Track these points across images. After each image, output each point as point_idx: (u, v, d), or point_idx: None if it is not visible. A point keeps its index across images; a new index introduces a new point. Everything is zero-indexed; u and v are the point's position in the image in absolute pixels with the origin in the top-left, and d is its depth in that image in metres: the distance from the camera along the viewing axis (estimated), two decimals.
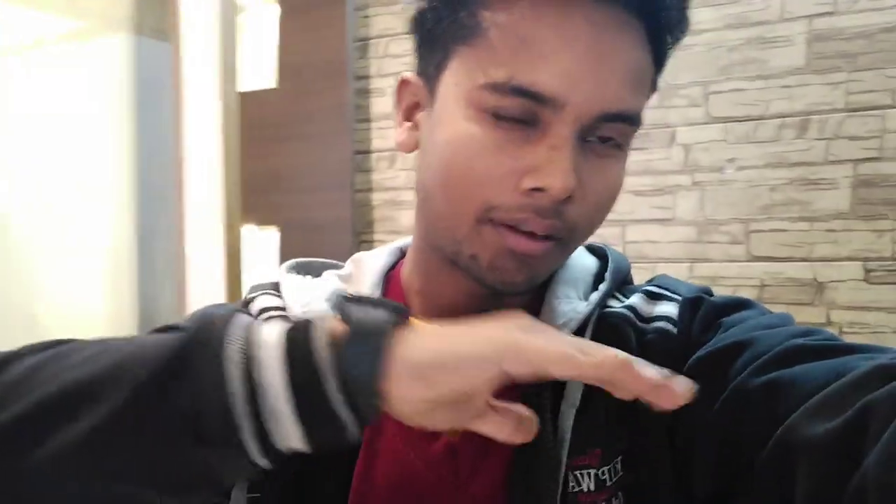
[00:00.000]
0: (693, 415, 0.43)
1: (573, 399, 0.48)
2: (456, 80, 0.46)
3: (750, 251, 1.19)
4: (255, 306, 0.55)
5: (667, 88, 1.24)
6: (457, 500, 0.48)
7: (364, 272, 0.58)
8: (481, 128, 0.44)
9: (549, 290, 0.52)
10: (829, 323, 1.14)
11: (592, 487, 0.47)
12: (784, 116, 1.16)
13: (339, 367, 0.35)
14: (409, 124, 0.51)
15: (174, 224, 1.63)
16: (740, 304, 0.51)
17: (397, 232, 1.53)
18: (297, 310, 0.53)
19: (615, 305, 0.53)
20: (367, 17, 1.58)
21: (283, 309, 0.54)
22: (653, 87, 0.49)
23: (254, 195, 1.65)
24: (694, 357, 0.47)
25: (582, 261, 0.56)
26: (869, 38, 1.11)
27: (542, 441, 0.46)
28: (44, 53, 1.80)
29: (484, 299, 0.50)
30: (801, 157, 1.15)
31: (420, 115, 0.50)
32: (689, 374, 0.42)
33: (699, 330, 0.49)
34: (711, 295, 0.52)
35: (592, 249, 0.59)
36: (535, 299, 0.52)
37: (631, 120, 0.45)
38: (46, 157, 1.83)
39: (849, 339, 1.11)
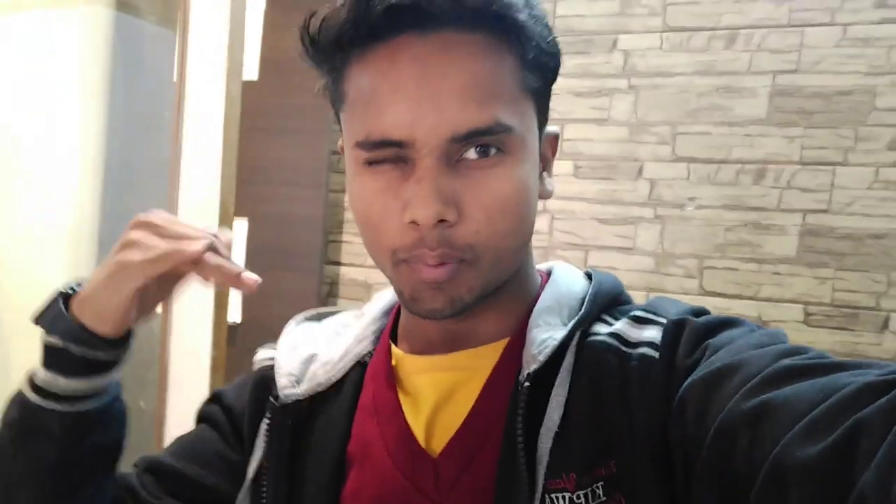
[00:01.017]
0: (685, 441, 0.44)
1: (552, 422, 0.49)
2: (346, 144, 0.52)
3: (703, 286, 1.26)
4: (256, 359, 0.65)
5: (638, 125, 1.31)
6: None
7: (373, 307, 0.64)
8: (366, 178, 0.49)
9: (531, 317, 0.54)
10: None
11: None
12: (743, 163, 1.24)
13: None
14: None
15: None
16: (726, 324, 0.49)
17: None
18: (283, 356, 0.61)
19: (601, 331, 0.53)
20: None
21: (271, 359, 0.61)
22: (537, 87, 0.51)
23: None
24: (685, 383, 0.46)
25: (570, 287, 0.57)
26: (826, 99, 1.19)
27: (519, 462, 0.48)
28: (23, 18, 1.78)
29: (454, 326, 0.54)
30: (756, 202, 1.23)
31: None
32: (679, 401, 0.45)
33: (684, 353, 0.48)
34: (701, 315, 0.51)
35: (588, 275, 0.59)
36: (521, 326, 0.54)
37: (488, 131, 0.47)
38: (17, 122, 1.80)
39: None
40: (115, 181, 1.80)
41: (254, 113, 1.66)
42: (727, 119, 1.25)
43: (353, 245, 1.57)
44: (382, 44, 0.48)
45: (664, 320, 0.51)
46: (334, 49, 0.51)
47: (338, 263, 1.59)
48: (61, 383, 0.51)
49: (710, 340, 0.47)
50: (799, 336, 1.20)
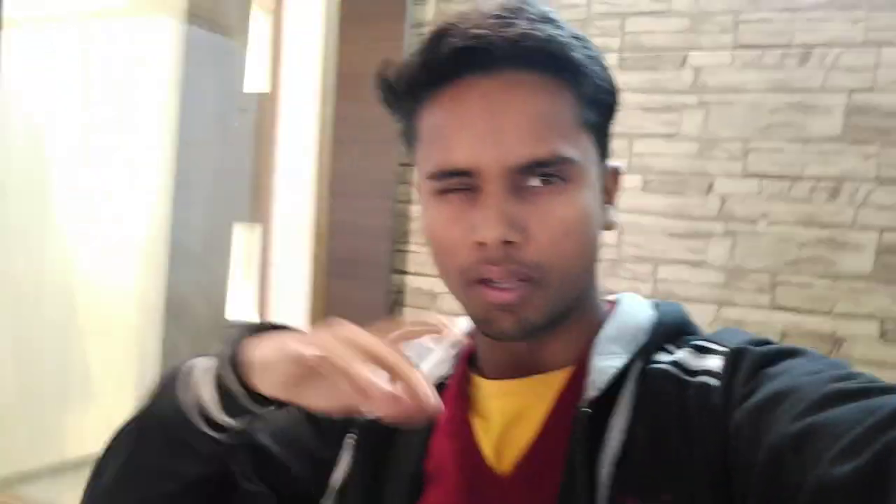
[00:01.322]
0: (740, 467, 0.45)
1: (612, 448, 0.50)
2: (419, 176, 0.58)
3: (775, 301, 1.27)
4: None
5: (709, 140, 1.32)
6: None
7: (457, 323, 0.68)
8: (438, 208, 0.55)
9: (594, 345, 0.56)
10: None
11: None
12: (818, 179, 1.25)
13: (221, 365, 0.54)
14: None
15: (259, 228, 1.68)
16: (787, 353, 0.50)
17: None
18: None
19: (662, 359, 0.55)
20: (422, 34, 1.64)
21: None
22: (595, 123, 0.55)
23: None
24: (740, 410, 0.47)
25: (635, 317, 0.58)
26: None
27: (579, 487, 0.50)
28: (100, 25, 1.84)
29: (523, 354, 0.57)
30: (831, 218, 1.24)
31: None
32: (735, 428, 0.47)
33: (742, 382, 0.49)
34: (763, 344, 0.52)
35: (656, 305, 0.61)
36: (586, 353, 0.56)
37: (548, 163, 0.51)
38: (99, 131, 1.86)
39: None
40: (187, 193, 1.86)
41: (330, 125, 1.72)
42: (801, 136, 1.26)
43: (419, 255, 1.61)
44: (450, 85, 0.53)
45: (725, 349, 0.52)
46: (408, 93, 0.56)
47: (404, 272, 1.63)
48: (227, 420, 0.54)
49: (768, 369, 0.49)
50: (875, 352, 1.20)
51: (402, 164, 1.63)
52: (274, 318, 1.63)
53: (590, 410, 0.52)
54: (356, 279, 1.60)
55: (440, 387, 0.63)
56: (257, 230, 1.78)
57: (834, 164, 1.24)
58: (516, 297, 0.52)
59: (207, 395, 0.54)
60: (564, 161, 0.52)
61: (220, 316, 1.80)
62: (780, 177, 1.27)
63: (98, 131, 1.87)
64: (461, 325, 0.67)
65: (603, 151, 0.58)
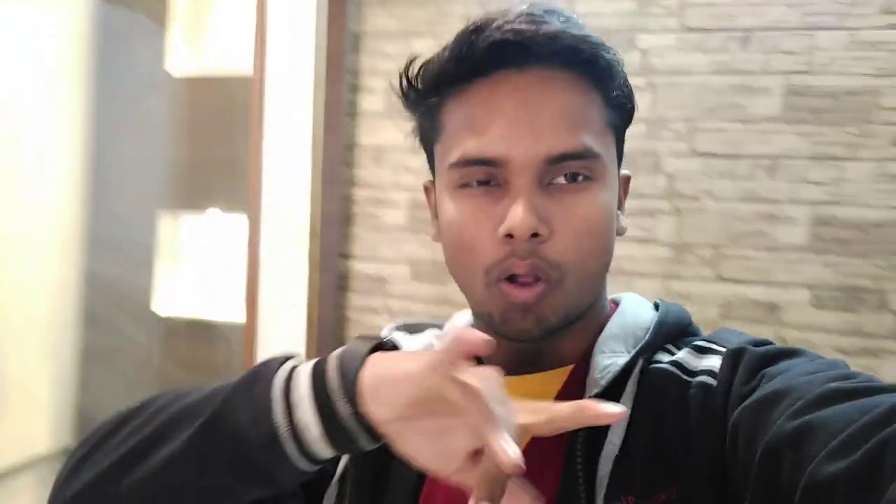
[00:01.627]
0: (738, 465, 0.46)
1: (612, 446, 0.51)
2: (439, 173, 0.56)
3: (719, 274, 1.35)
4: None
5: (657, 121, 1.36)
6: None
7: (460, 319, 0.67)
8: (460, 202, 0.53)
9: (597, 343, 0.56)
10: (783, 339, 1.32)
11: None
12: (757, 157, 1.32)
13: (339, 387, 0.44)
14: (437, 221, 0.60)
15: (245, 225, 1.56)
16: (786, 354, 0.51)
17: (377, 229, 1.56)
18: None
19: (663, 359, 0.55)
20: (363, 14, 1.57)
21: None
22: (619, 115, 0.55)
23: (226, 179, 1.62)
24: (739, 409, 0.47)
25: (636, 317, 0.59)
26: (835, 98, 1.28)
27: (578, 484, 0.50)
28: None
29: (528, 352, 0.57)
30: (769, 194, 1.32)
31: (437, 210, 0.59)
32: (733, 427, 0.47)
33: (741, 381, 0.49)
34: (762, 345, 0.53)
35: (657, 305, 0.61)
36: (588, 351, 0.56)
37: (581, 155, 0.52)
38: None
39: None
40: (103, 180, 1.71)
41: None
42: (742, 116, 1.33)
43: (365, 240, 1.57)
44: (483, 79, 0.52)
45: (724, 349, 0.53)
46: (435, 87, 0.55)
47: (349, 257, 1.58)
48: (323, 451, 0.46)
49: (768, 369, 0.49)
50: (807, 318, 1.30)
51: (349, 146, 1.57)
52: (274, 305, 1.52)
53: None
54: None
55: None
56: (185, 220, 1.68)
57: (772, 142, 1.31)
58: (536, 297, 0.52)
59: (311, 421, 0.44)
60: (594, 156, 0.52)
61: (147, 311, 1.68)
62: (724, 155, 1.34)
63: (3, 112, 1.67)
64: (459, 321, 0.66)
65: (619, 157, 0.58)
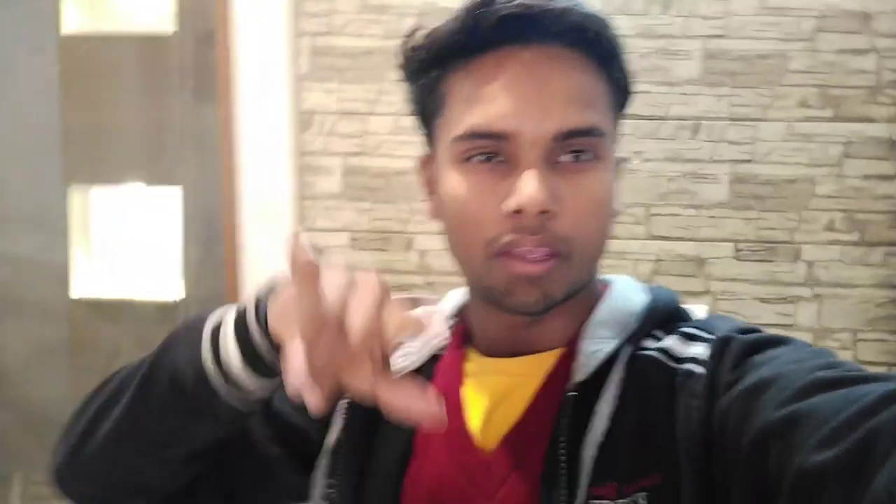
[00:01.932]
0: (726, 454, 0.46)
1: (596, 432, 0.51)
2: (440, 147, 0.56)
3: (650, 231, 1.41)
4: None
5: None
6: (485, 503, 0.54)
7: (447, 305, 0.67)
8: (464, 176, 0.53)
9: (586, 328, 0.56)
10: (708, 292, 1.40)
11: None
12: (681, 119, 1.39)
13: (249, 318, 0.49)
14: (431, 196, 0.60)
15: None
16: (772, 342, 0.50)
17: (311, 197, 1.52)
18: None
19: (650, 346, 0.55)
20: None
21: None
22: (620, 99, 0.56)
23: (148, 150, 1.53)
24: (726, 398, 0.48)
25: (626, 302, 0.58)
26: (748, 61, 1.36)
27: (560, 468, 0.51)
28: None
29: (520, 331, 0.57)
30: (693, 154, 1.39)
31: (435, 185, 0.59)
32: (720, 416, 0.47)
33: (727, 369, 0.49)
34: (750, 332, 0.53)
35: (649, 290, 0.61)
36: (577, 335, 0.56)
37: (589, 132, 0.51)
38: None
39: (721, 305, 1.37)
40: None
41: (175, 70, 1.53)
42: (666, 79, 1.39)
43: (328, 210, 1.52)
44: (489, 52, 0.52)
45: (711, 337, 0.52)
46: (438, 59, 0.54)
47: (311, 229, 1.54)
48: (246, 381, 0.49)
49: (754, 357, 0.49)
50: (731, 270, 1.39)
51: (304, 112, 1.52)
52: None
53: (576, 394, 0.52)
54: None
55: (435, 359, 0.62)
56: (95, 194, 1.57)
57: (694, 104, 1.38)
58: (544, 271, 0.51)
59: (232, 352, 0.49)
60: (601, 134, 0.52)
61: (63, 293, 1.56)
62: (650, 118, 1.40)
63: None
64: (450, 301, 0.66)
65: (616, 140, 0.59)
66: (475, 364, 0.60)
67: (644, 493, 0.49)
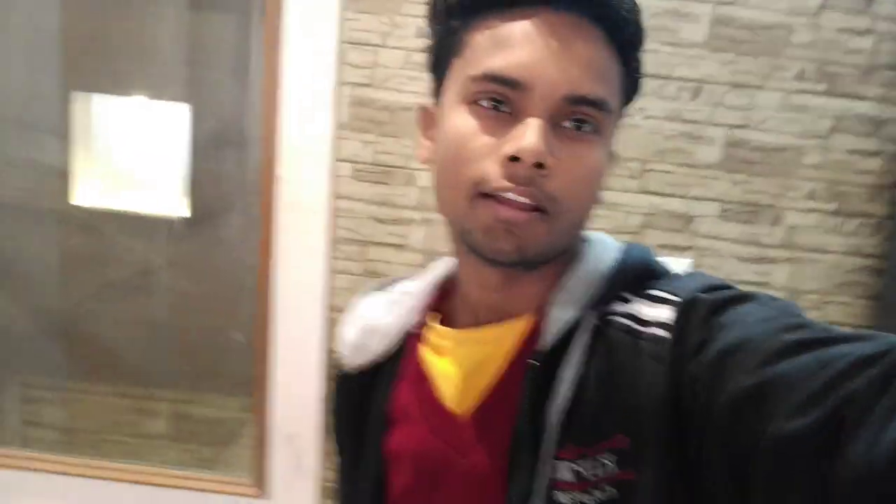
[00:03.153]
0: (696, 420, 0.46)
1: (561, 398, 0.52)
2: (451, 87, 0.57)
3: (642, 186, 1.47)
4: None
5: None
6: (460, 466, 0.58)
7: (429, 276, 0.70)
8: (468, 116, 0.54)
9: (554, 295, 0.57)
10: (692, 247, 1.47)
11: (570, 478, 0.51)
12: (684, 80, 1.44)
13: None
14: (427, 142, 0.62)
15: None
16: (738, 299, 0.50)
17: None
18: (348, 331, 0.69)
19: (617, 309, 0.55)
20: None
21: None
22: (628, 90, 0.57)
23: (152, 62, 1.52)
24: (694, 363, 0.47)
25: (597, 264, 0.58)
26: (753, 31, 1.41)
27: (527, 433, 0.53)
28: None
29: (495, 293, 0.59)
30: (692, 115, 1.45)
31: (433, 132, 0.61)
32: (689, 381, 0.47)
33: (693, 331, 0.49)
34: (716, 289, 0.52)
35: (623, 249, 0.61)
36: (545, 301, 0.57)
37: (597, 104, 0.52)
38: None
39: (703, 260, 1.45)
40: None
41: None
42: (672, 40, 1.43)
43: None
44: (518, 10, 0.53)
45: (677, 300, 0.52)
46: (471, 8, 0.55)
47: None
48: None
49: (720, 318, 0.48)
50: (716, 229, 1.46)
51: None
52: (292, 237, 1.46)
53: (537, 363, 0.54)
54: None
55: (408, 335, 0.66)
56: (104, 104, 1.56)
57: (697, 67, 1.43)
58: (525, 219, 0.52)
59: None
60: (608, 111, 0.53)
61: (65, 202, 1.57)
62: (655, 76, 1.44)
63: None
64: (435, 269, 0.70)
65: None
66: (446, 336, 0.63)
67: (611, 455, 0.50)
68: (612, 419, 0.51)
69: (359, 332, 0.67)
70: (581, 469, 0.51)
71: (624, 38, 0.54)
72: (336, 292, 1.50)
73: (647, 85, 1.40)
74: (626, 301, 0.55)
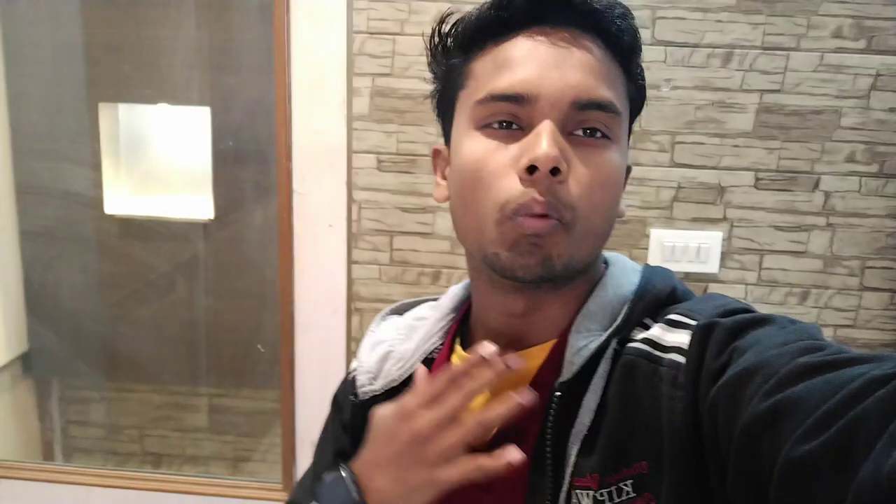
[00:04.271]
0: (718, 446, 0.46)
1: (581, 426, 0.53)
2: (460, 120, 0.58)
3: (673, 159, 1.44)
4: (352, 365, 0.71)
5: None
6: (478, 496, 0.57)
7: (445, 302, 0.69)
8: (481, 139, 0.54)
9: (576, 320, 0.57)
10: (725, 219, 1.44)
11: None
12: (713, 47, 1.39)
13: None
14: (443, 182, 0.62)
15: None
16: (755, 323, 0.50)
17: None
18: (363, 356, 0.69)
19: (637, 336, 0.55)
20: None
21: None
22: (633, 98, 0.57)
23: (171, 69, 1.50)
24: (714, 388, 0.47)
25: (617, 290, 0.58)
26: None
27: (546, 462, 0.53)
28: None
29: (516, 319, 0.59)
30: (722, 83, 1.40)
31: (447, 171, 0.61)
32: (710, 407, 0.47)
33: (711, 357, 0.49)
34: (734, 313, 0.52)
35: (643, 273, 0.61)
36: (568, 327, 0.57)
37: (605, 107, 0.53)
38: None
39: (737, 231, 1.42)
40: (20, 68, 1.53)
41: None
42: (701, 6, 1.37)
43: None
44: (514, 33, 0.54)
45: (694, 324, 0.52)
46: (470, 39, 0.57)
47: None
48: None
49: (738, 343, 0.48)
50: (750, 198, 1.43)
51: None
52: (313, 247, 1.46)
53: (560, 393, 0.54)
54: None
55: (428, 361, 0.65)
56: (130, 113, 1.55)
57: (728, 32, 1.37)
58: (549, 230, 0.52)
59: None
60: (616, 113, 0.54)
61: (100, 212, 1.58)
62: (683, 45, 1.39)
63: None
64: (450, 295, 0.69)
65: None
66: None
67: (629, 481, 0.50)
68: (633, 446, 0.51)
69: (377, 356, 0.67)
70: (600, 496, 0.51)
71: (621, 45, 0.55)
72: (364, 283, 1.50)
73: (674, 54, 1.36)
74: (646, 327, 0.56)
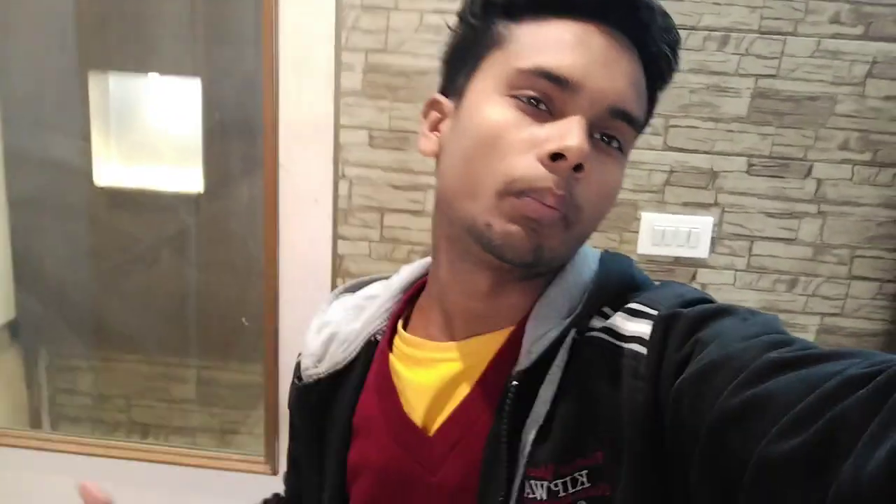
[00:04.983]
0: (681, 440, 0.45)
1: (537, 416, 0.52)
2: (485, 78, 0.55)
3: (666, 142, 1.43)
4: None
5: None
6: (428, 482, 0.57)
7: (396, 281, 0.69)
8: (507, 108, 0.52)
9: (534, 308, 0.56)
10: (716, 204, 1.44)
11: (544, 496, 0.50)
12: (710, 30, 1.37)
13: None
14: (434, 135, 0.60)
15: None
16: (718, 314, 0.49)
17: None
18: (309, 338, 0.69)
19: (596, 325, 0.54)
20: None
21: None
22: (647, 115, 0.57)
23: (164, 40, 1.49)
24: (678, 381, 0.46)
25: (578, 279, 0.57)
26: None
27: (501, 451, 0.52)
28: None
29: (477, 303, 0.58)
30: (718, 67, 1.38)
31: (444, 125, 0.58)
32: (673, 399, 0.46)
33: (674, 348, 0.49)
34: (695, 303, 0.52)
35: (603, 262, 0.60)
36: (526, 315, 0.56)
37: (634, 121, 0.53)
38: None
39: (728, 217, 1.42)
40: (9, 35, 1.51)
41: None
42: None
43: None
44: (575, 19, 0.53)
45: (655, 314, 0.52)
46: (524, 6, 0.54)
47: None
48: None
49: (700, 334, 0.48)
50: (742, 184, 1.42)
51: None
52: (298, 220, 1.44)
53: (517, 383, 0.53)
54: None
55: (373, 343, 0.64)
56: (120, 82, 1.53)
57: (725, 15, 1.36)
58: (552, 220, 0.51)
59: None
60: (638, 129, 0.55)
61: (89, 182, 1.57)
62: (680, 26, 1.37)
63: None
64: (402, 274, 0.68)
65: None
66: (427, 349, 0.60)
67: (584, 471, 0.50)
68: (590, 436, 0.50)
69: (322, 339, 0.66)
70: (555, 486, 0.50)
71: (661, 73, 0.56)
72: (353, 259, 1.50)
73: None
74: (606, 315, 0.55)
